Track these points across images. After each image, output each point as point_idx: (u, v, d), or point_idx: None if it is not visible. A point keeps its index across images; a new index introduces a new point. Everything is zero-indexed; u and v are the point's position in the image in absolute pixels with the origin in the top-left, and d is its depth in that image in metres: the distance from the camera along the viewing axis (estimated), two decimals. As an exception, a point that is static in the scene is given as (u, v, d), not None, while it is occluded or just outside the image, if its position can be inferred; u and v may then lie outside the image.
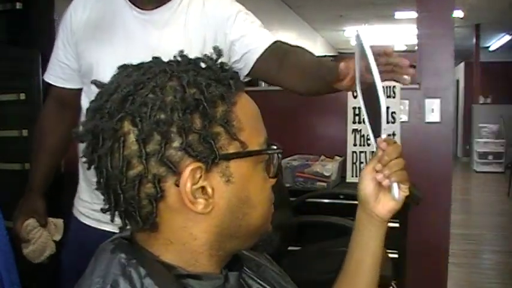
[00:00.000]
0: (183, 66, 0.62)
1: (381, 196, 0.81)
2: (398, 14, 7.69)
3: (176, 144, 0.57)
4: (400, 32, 9.11)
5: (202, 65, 0.64)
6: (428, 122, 2.73)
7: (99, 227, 1.26)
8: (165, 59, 0.66)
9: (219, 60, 0.65)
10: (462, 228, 5.06)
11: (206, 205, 0.60)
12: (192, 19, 1.24)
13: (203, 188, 0.59)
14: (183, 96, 0.58)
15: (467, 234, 4.89)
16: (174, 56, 0.66)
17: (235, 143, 0.60)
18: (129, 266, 0.59)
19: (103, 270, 0.59)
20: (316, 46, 9.87)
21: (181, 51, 0.66)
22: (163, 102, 0.57)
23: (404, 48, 10.48)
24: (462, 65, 11.34)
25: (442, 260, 2.72)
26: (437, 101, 2.70)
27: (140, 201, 0.59)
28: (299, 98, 3.01)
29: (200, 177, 0.59)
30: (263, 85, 4.13)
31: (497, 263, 4.15)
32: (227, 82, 0.62)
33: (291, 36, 7.45)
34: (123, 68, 0.65)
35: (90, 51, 1.25)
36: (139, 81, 0.60)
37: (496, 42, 10.71)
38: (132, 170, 0.58)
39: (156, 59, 0.65)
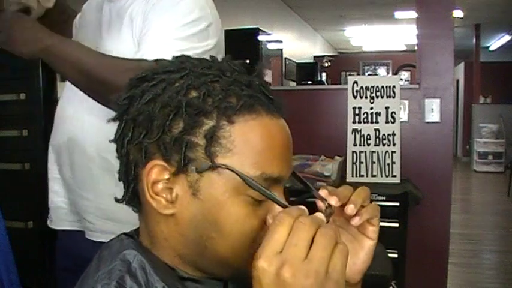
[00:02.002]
0: (207, 69, 0.61)
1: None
2: (398, 14, 7.69)
3: (153, 137, 0.58)
4: (400, 32, 9.12)
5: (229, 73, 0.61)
6: (428, 122, 2.73)
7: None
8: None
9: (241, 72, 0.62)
10: (462, 228, 5.07)
11: (166, 206, 0.59)
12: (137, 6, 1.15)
13: (171, 190, 0.59)
14: (177, 96, 0.58)
15: (467, 234, 4.89)
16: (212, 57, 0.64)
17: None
18: (134, 263, 0.59)
19: (108, 267, 0.59)
20: (316, 46, 9.88)
21: (227, 55, 0.65)
22: (160, 96, 0.59)
23: (404, 48, 10.50)
24: (462, 65, 11.34)
25: (442, 260, 2.72)
26: (437, 101, 2.71)
27: (126, 177, 0.63)
28: (299, 98, 3.03)
29: (169, 178, 0.59)
30: (263, 85, 4.15)
31: (497, 263, 4.15)
32: (237, 99, 0.58)
33: (292, 36, 7.45)
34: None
35: None
36: (158, 70, 0.62)
37: (496, 42, 10.72)
38: (122, 148, 0.62)
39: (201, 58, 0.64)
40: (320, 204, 0.62)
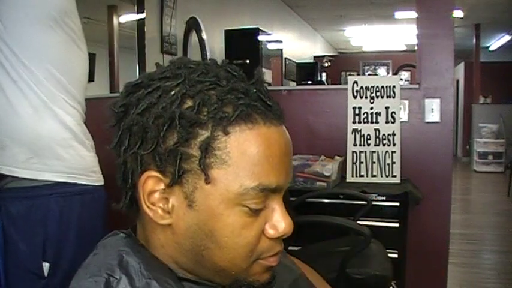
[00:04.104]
0: (203, 76, 0.59)
1: None
2: (398, 14, 7.69)
3: (148, 148, 0.58)
4: (400, 32, 9.11)
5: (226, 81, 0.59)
6: (428, 122, 2.73)
7: None
8: None
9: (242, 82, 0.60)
10: (462, 228, 5.07)
11: (163, 217, 0.59)
12: None
13: (167, 200, 0.59)
14: (171, 108, 0.57)
15: (467, 234, 4.89)
16: (207, 63, 0.63)
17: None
18: (126, 257, 0.59)
19: (101, 261, 0.60)
20: (316, 46, 9.87)
21: (225, 60, 0.64)
22: (155, 105, 0.58)
23: (404, 48, 10.49)
24: (462, 65, 11.34)
25: (442, 260, 2.72)
26: (437, 101, 2.71)
27: (124, 184, 0.63)
28: (299, 98, 3.02)
29: (164, 188, 0.59)
30: (263, 85, 4.14)
31: (497, 263, 4.15)
32: (233, 109, 0.57)
33: (292, 36, 7.45)
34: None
35: None
36: (154, 77, 0.61)
37: (496, 42, 10.72)
38: (119, 156, 0.62)
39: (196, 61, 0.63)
40: None
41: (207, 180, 0.57)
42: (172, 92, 0.58)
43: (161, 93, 0.58)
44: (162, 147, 0.57)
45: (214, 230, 0.58)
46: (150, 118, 0.57)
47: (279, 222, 0.61)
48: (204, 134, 0.56)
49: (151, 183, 0.59)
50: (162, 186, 0.58)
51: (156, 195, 0.59)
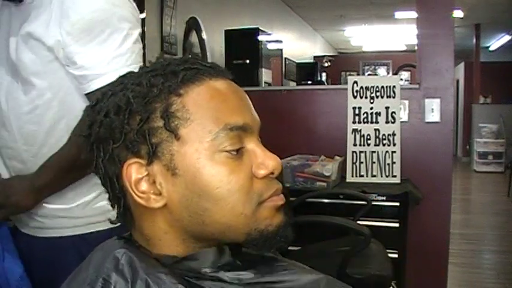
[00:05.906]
0: (144, 69, 0.65)
1: None
2: (398, 14, 7.68)
3: (118, 139, 0.61)
4: (400, 32, 9.11)
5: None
6: (428, 122, 2.73)
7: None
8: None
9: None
10: (462, 228, 5.06)
11: (156, 200, 0.61)
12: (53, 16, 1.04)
13: (154, 183, 0.61)
14: (124, 97, 0.61)
15: (467, 234, 4.89)
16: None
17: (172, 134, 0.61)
18: (122, 260, 0.60)
19: (97, 265, 0.61)
20: (316, 46, 9.87)
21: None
22: (111, 104, 0.62)
23: (404, 48, 10.49)
24: (462, 65, 11.33)
25: (442, 260, 2.72)
26: (437, 101, 2.71)
27: (114, 197, 0.65)
28: (299, 98, 3.03)
29: (148, 174, 0.61)
30: (263, 85, 4.14)
31: (497, 263, 4.15)
32: (176, 75, 0.62)
33: (292, 36, 7.45)
34: None
35: None
36: (105, 90, 0.66)
37: (496, 42, 10.71)
38: (100, 170, 0.64)
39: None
40: None
41: (177, 137, 0.60)
42: (122, 90, 0.63)
43: (113, 96, 0.63)
44: (130, 133, 0.60)
45: (204, 186, 0.60)
46: (111, 114, 0.61)
47: (264, 159, 0.63)
48: (160, 105, 0.60)
49: (133, 170, 0.61)
50: (144, 172, 0.61)
51: (143, 184, 0.61)
